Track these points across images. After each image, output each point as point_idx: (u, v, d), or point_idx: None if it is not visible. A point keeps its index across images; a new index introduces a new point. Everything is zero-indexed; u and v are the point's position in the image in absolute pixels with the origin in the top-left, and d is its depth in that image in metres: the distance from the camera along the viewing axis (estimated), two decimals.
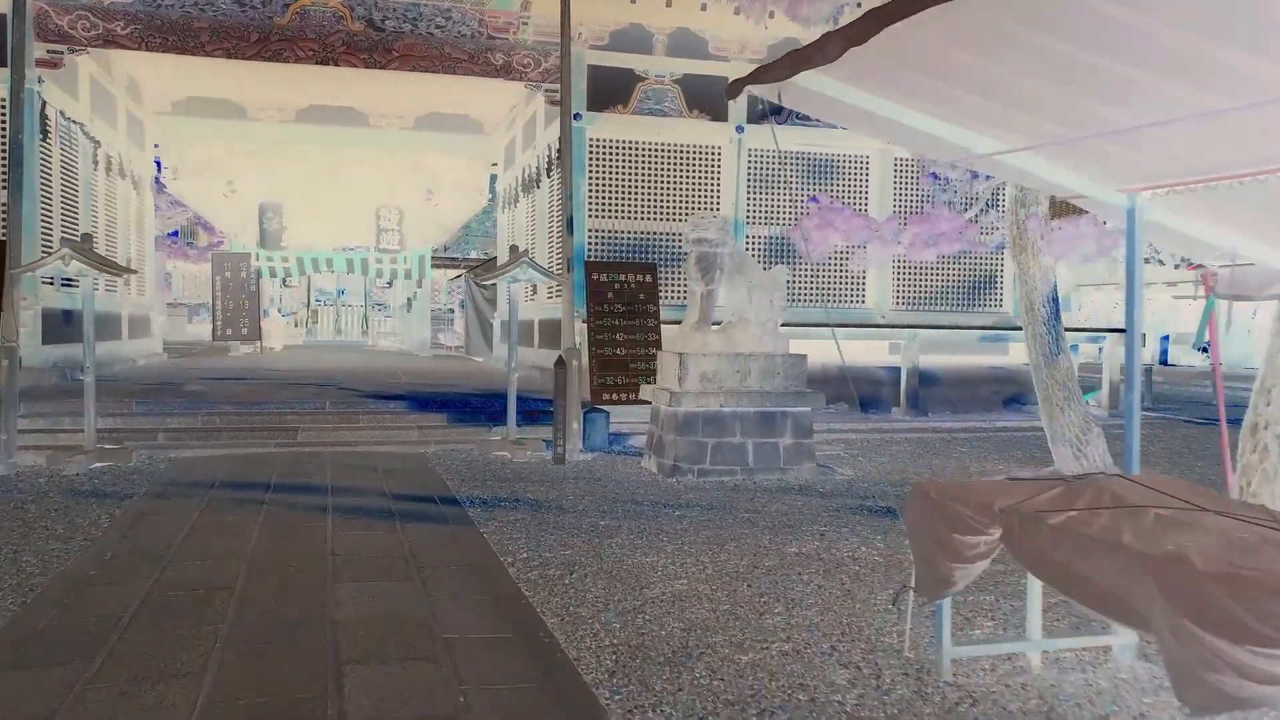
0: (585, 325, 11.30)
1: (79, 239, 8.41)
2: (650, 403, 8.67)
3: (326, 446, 9.14)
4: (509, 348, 9.29)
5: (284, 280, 28.86)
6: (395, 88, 15.78)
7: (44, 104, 10.92)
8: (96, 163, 12.96)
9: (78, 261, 7.84)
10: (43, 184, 11.03)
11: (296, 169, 18.64)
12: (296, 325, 29.18)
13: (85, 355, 8.30)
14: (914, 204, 13.30)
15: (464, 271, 25.83)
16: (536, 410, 9.99)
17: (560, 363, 8.72)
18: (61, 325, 11.52)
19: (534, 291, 14.64)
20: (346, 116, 17.05)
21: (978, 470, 9.01)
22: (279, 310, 27.22)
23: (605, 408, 10.31)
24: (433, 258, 19.93)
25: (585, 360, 11.23)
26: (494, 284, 21.83)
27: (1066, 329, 7.70)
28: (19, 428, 8.95)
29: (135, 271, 8.48)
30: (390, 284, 30.38)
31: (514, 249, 9.29)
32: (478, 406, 10.31)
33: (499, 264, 8.46)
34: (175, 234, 32.25)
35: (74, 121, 12.12)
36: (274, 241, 18.63)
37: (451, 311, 30.18)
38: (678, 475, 7.89)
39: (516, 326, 9.30)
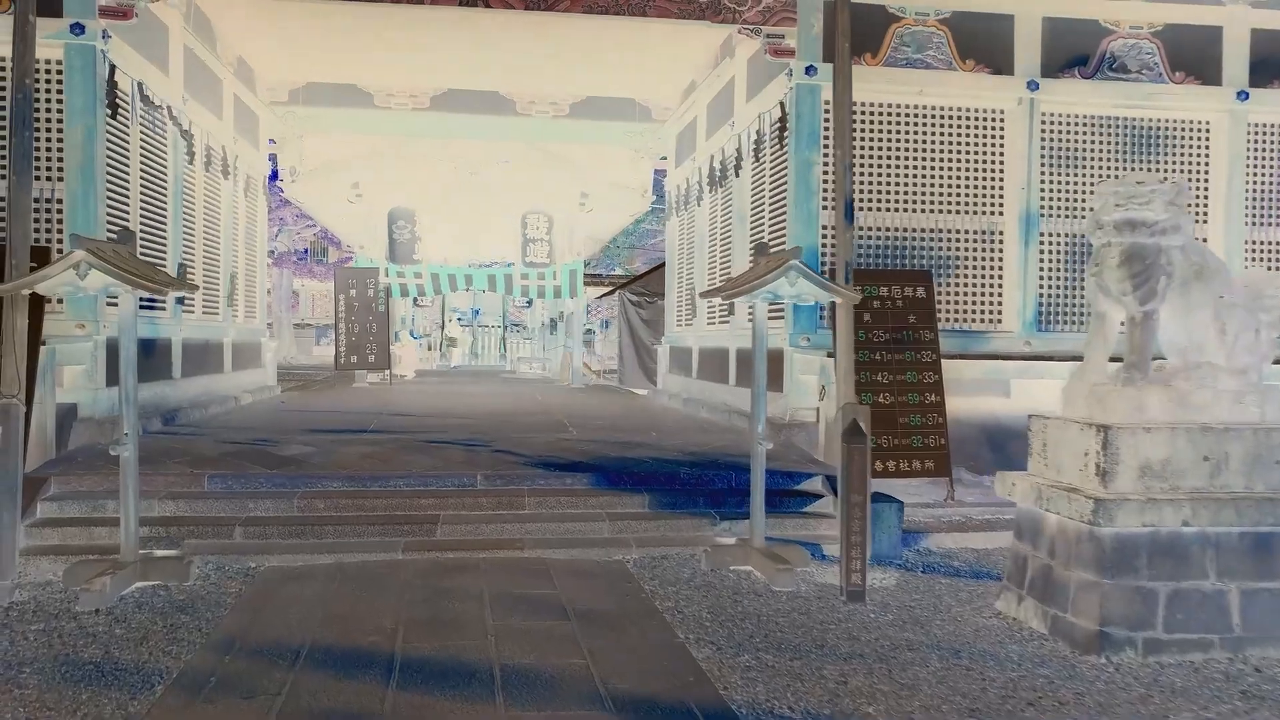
0: (830, 360, 7.90)
1: (118, 235, 5.53)
2: (1017, 503, 5.19)
3: (479, 551, 5.99)
4: (753, 400, 5.96)
5: (415, 299, 26.55)
6: (547, 66, 12.82)
7: (112, 69, 8.26)
8: (192, 155, 10.35)
9: (101, 271, 4.91)
10: (114, 175, 8.36)
11: (431, 169, 15.93)
12: (430, 349, 26.81)
13: (123, 415, 5.37)
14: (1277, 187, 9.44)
15: (610, 289, 22.82)
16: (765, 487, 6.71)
17: (853, 434, 5.32)
18: (142, 358, 8.80)
19: (701, 312, 11.38)
20: (489, 103, 14.17)
21: None
22: (410, 332, 24.83)
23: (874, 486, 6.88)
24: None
25: (834, 410, 7.82)
26: (654, 305, 18.70)
27: None
28: (41, 516, 6.13)
29: (195, 286, 5.58)
30: (529, 303, 27.74)
31: (761, 247, 5.97)
32: (689, 483, 7.03)
33: (745, 274, 5.07)
34: (305, 254, 30.60)
35: (158, 101, 9.47)
36: (405, 255, 15.96)
37: (591, 333, 27.28)
38: (1108, 650, 4.37)
39: (764, 368, 5.97)
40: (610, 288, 22.18)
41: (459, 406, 12.54)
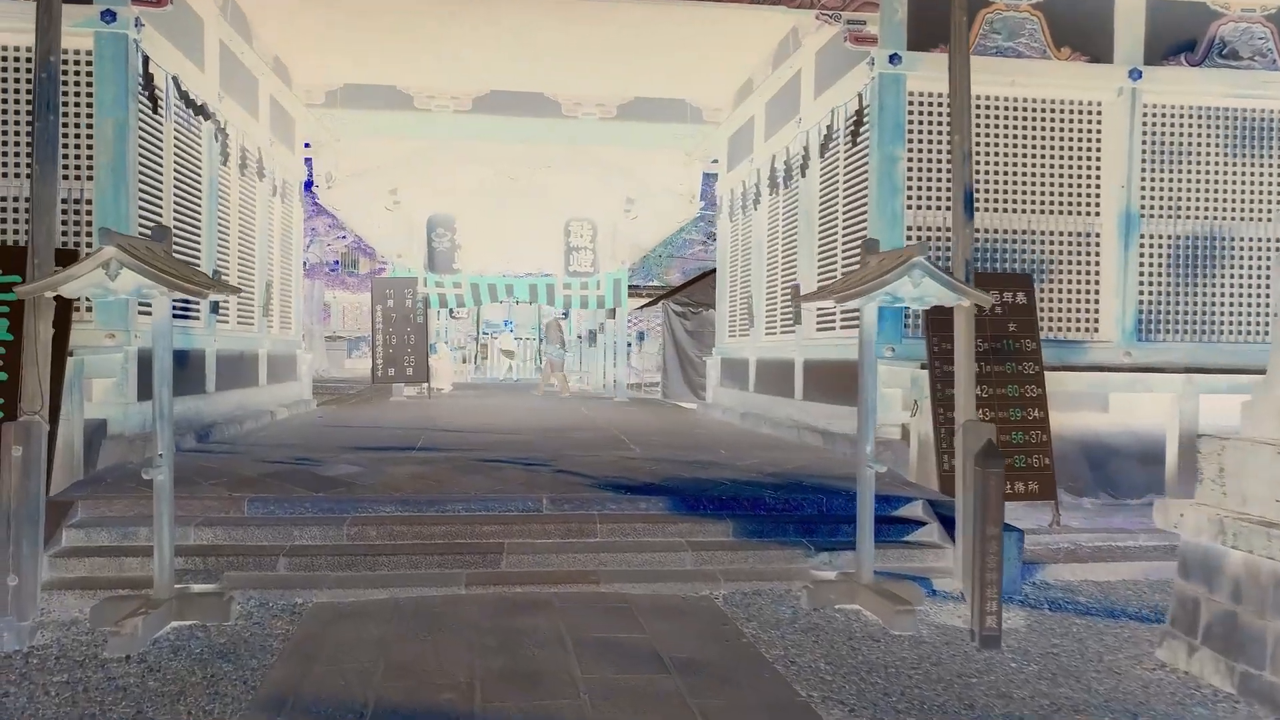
0: (927, 373, 7.23)
1: (152, 231, 4.95)
2: (1183, 537, 4.46)
3: (550, 585, 5.34)
4: (861, 417, 5.28)
5: (451, 311, 26.03)
6: (594, 65, 12.27)
7: (146, 60, 7.73)
8: (226, 155, 9.81)
9: (134, 271, 4.32)
10: (147, 174, 7.81)
11: (472, 175, 15.38)
12: (465, 361, 26.23)
13: (156, 433, 4.77)
14: None
15: (650, 299, 22.21)
16: (848, 515, 6.05)
17: (988, 457, 4.62)
18: (175, 370, 8.24)
19: (759, 322, 10.71)
20: (534, 105, 13.60)
21: None
22: (446, 344, 24.31)
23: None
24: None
25: (929, 428, 7.13)
26: (699, 316, 18.04)
27: None
28: (67, 545, 5.54)
29: (235, 289, 4.96)
30: (566, 314, 27.16)
31: (871, 244, 5.29)
32: (776, 508, 6.34)
33: (857, 274, 4.34)
34: (336, 265, 30.16)
35: (193, 97, 8.95)
36: (445, 264, 15.37)
37: (629, 345, 26.56)
38: None
39: (873, 379, 5.27)
40: (649, 298, 21.56)
41: (505, 421, 11.92)
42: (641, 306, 21.26)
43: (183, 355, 8.51)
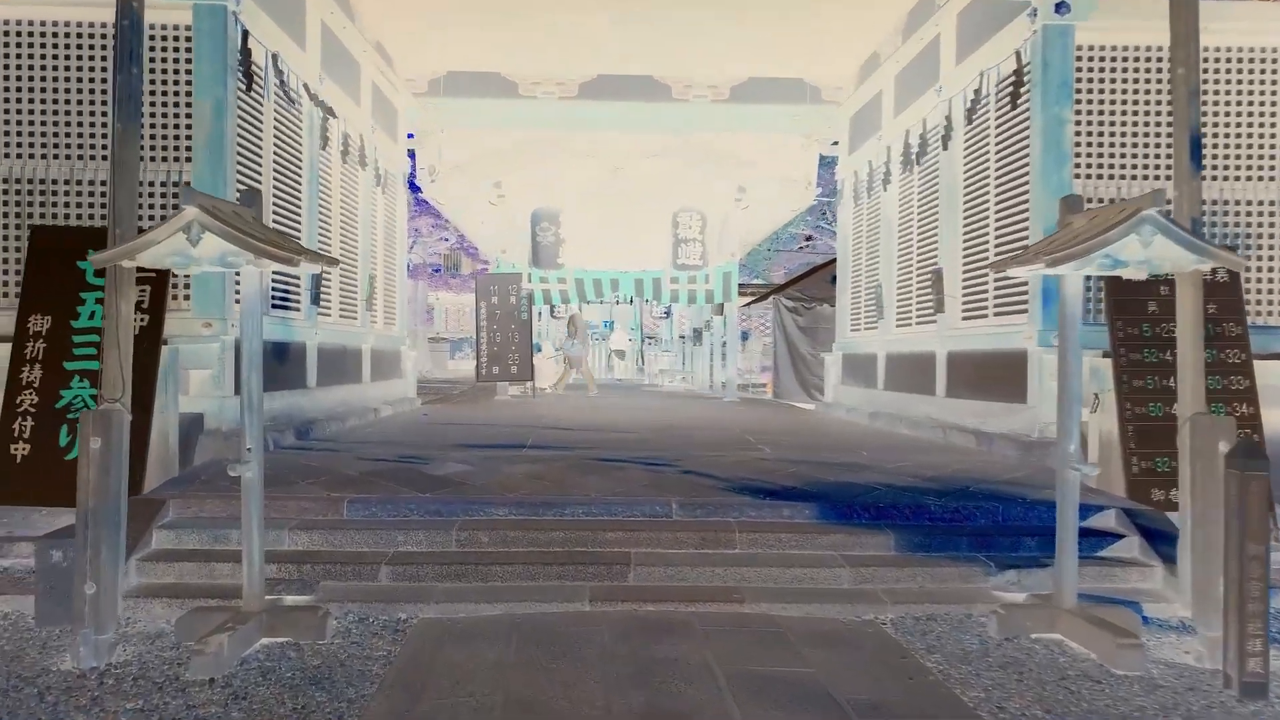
0: (1109, 362, 6.26)
1: (241, 196, 4.38)
2: None
3: (687, 603, 4.59)
4: (1062, 410, 4.39)
5: (553, 310, 25.61)
6: (708, 45, 11.54)
7: (245, 35, 7.30)
8: (327, 140, 9.39)
9: (218, 235, 3.73)
10: (245, 156, 7.39)
11: (578, 166, 14.80)
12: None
13: (244, 426, 4.20)
14: None
15: (756, 296, 21.35)
16: (1028, 527, 5.16)
17: (1248, 456, 3.69)
18: (274, 364, 7.83)
19: (890, 312, 9.77)
20: (642, 88, 12.93)
21: None
22: (553, 345, 23.88)
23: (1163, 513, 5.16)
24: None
25: (1113, 425, 6.15)
26: (812, 311, 17.13)
27: None
28: (156, 547, 5.05)
29: (334, 260, 4.34)
30: (667, 313, 26.47)
31: (1073, 200, 4.38)
32: (942, 518, 5.47)
33: (1065, 234, 3.69)
34: (439, 269, 30.15)
35: (294, 77, 8.53)
36: (549, 259, 14.83)
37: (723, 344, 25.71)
38: None
39: (1078, 365, 4.36)
40: (754, 295, 20.68)
41: (617, 420, 11.25)
42: (750, 302, 20.41)
43: (282, 348, 8.07)
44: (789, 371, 17.34)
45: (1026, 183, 7.47)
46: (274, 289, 7.97)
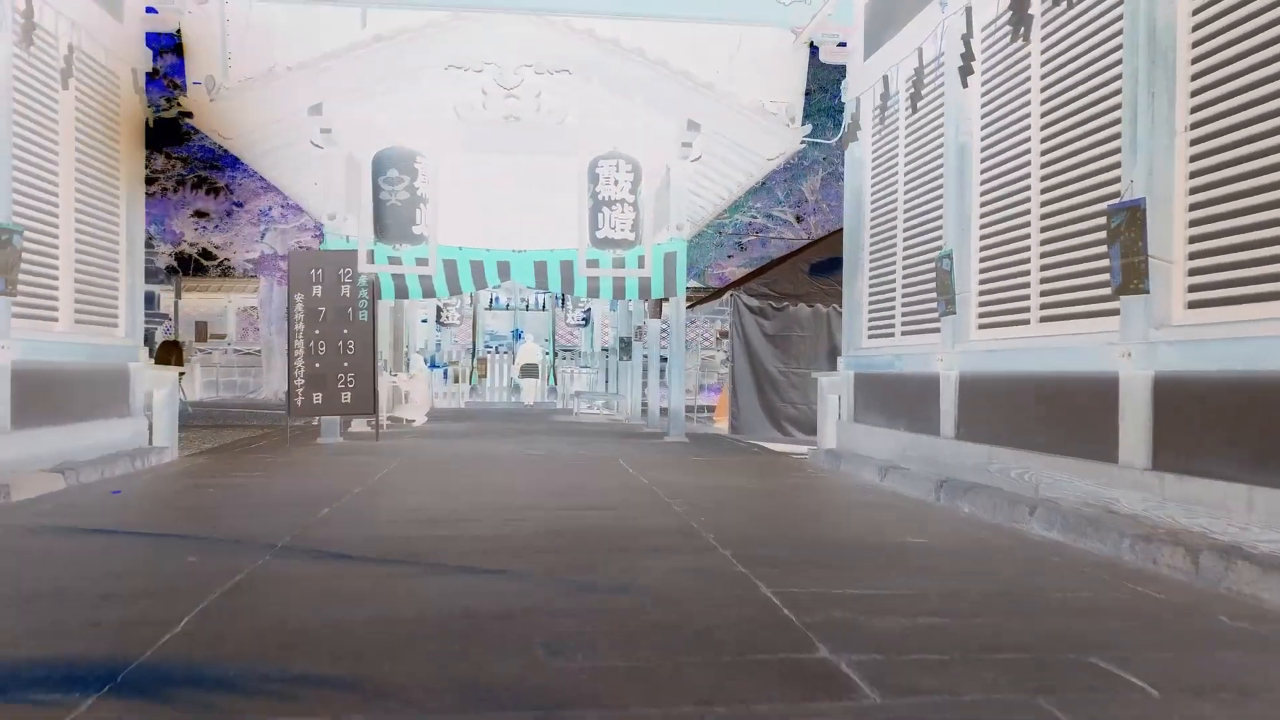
0: None
1: None
2: None
3: None
4: None
5: (440, 315, 20.43)
6: None
7: None
8: None
9: None
10: None
11: (444, 87, 9.79)
12: (456, 381, 20.56)
13: None
14: None
15: (713, 292, 16.66)
16: None
17: None
18: None
19: (971, 299, 5.12)
20: None
21: None
22: (429, 360, 18.76)
23: None
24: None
25: None
26: (785, 313, 12.37)
27: None
28: None
29: None
30: (585, 318, 21.52)
31: None
32: None
33: None
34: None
35: None
36: (401, 229, 9.69)
37: (663, 360, 20.86)
38: None
39: None
40: (707, 293, 15.90)
41: (511, 501, 6.06)
42: (697, 302, 15.62)
43: None
44: (752, 397, 12.56)
45: None
46: None
